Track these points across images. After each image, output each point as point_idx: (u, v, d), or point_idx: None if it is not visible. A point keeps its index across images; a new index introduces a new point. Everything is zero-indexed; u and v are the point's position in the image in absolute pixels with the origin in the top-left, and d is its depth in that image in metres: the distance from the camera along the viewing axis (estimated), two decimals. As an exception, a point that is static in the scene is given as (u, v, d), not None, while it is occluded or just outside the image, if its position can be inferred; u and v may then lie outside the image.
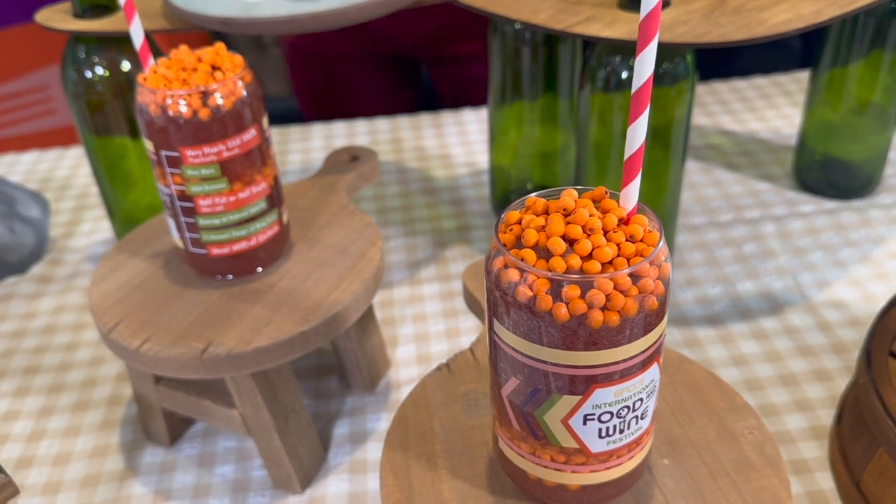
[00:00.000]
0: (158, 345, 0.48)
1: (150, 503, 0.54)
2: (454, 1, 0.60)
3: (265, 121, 0.50)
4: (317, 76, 1.09)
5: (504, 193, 0.77)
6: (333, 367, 0.63)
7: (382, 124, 0.95)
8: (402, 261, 0.74)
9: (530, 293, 0.32)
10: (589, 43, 0.59)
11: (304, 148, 0.92)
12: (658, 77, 0.58)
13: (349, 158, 0.65)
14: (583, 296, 0.31)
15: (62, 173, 0.90)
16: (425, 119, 0.95)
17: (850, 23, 0.70)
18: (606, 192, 0.34)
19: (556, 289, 0.31)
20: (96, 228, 0.81)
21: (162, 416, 0.57)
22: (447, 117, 0.95)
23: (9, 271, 0.75)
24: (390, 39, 1.01)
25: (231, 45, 0.53)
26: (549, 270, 0.31)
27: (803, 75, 0.99)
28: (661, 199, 0.63)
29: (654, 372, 0.34)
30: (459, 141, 0.91)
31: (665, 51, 0.57)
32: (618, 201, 0.34)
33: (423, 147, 0.90)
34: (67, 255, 0.77)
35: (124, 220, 0.71)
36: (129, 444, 0.59)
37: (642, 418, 0.35)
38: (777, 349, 0.62)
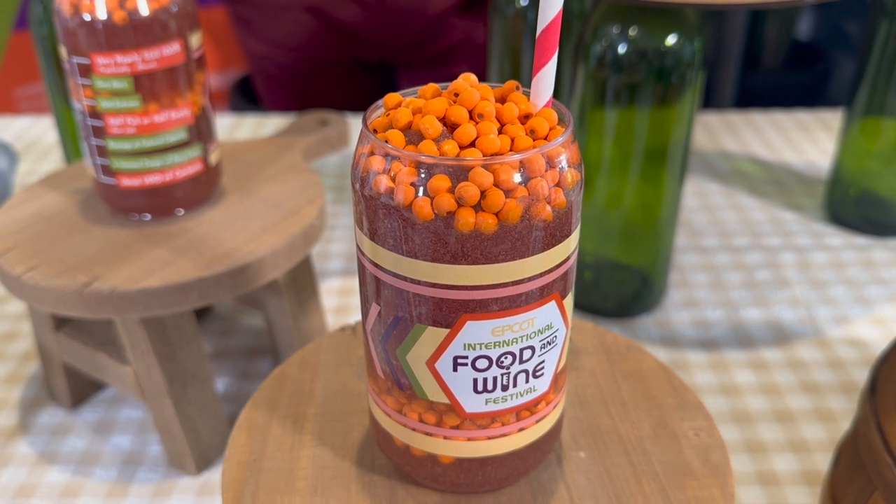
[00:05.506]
0: (42, 274, 0.43)
1: (31, 464, 0.48)
2: None
3: (195, 39, 0.44)
4: (292, 90, 1.01)
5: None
6: (269, 349, 0.57)
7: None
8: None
9: (391, 184, 0.25)
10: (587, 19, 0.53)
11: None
12: (660, 55, 0.51)
13: (318, 123, 0.59)
14: (453, 190, 0.24)
15: (50, 140, 0.87)
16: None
17: (892, 49, 0.62)
18: (518, 87, 0.27)
19: (423, 180, 0.24)
20: (66, 191, 0.76)
21: (63, 372, 0.50)
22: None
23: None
24: (373, 45, 0.94)
25: None
26: (418, 154, 0.25)
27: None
28: (660, 197, 0.56)
29: (551, 314, 0.26)
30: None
31: (670, 20, 0.50)
32: (529, 98, 0.27)
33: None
34: (30, 213, 0.73)
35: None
36: (29, 401, 0.53)
37: (535, 377, 0.27)
38: (776, 382, 0.53)
